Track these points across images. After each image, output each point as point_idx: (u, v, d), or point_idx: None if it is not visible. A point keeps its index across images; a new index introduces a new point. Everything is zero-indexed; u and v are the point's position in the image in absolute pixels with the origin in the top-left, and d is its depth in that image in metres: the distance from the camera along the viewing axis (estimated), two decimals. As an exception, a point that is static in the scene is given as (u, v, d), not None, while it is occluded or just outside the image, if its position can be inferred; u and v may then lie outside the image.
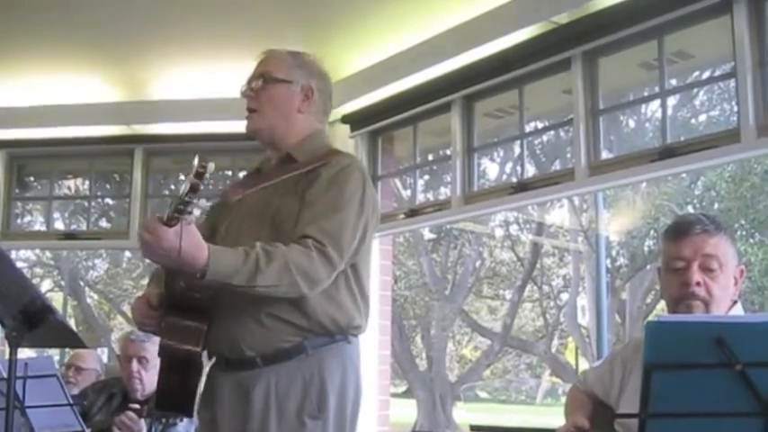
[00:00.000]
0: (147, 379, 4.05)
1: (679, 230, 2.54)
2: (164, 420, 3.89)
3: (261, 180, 2.85)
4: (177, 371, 2.72)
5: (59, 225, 11.91)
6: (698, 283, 2.46)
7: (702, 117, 16.31)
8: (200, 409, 2.77)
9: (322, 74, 2.95)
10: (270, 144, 2.90)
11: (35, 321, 2.96)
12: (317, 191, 2.68)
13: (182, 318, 2.62)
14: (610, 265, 17.95)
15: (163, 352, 2.68)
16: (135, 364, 4.09)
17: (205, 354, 2.74)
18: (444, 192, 14.69)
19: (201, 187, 2.16)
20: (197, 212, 2.27)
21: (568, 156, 12.03)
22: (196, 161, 2.14)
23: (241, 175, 5.07)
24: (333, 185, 2.68)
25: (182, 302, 2.61)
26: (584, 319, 19.71)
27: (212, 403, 2.71)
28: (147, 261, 2.49)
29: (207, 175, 2.15)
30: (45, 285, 21.78)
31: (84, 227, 9.06)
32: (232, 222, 2.83)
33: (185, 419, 3.84)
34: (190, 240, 2.34)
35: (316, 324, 2.63)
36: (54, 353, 12.92)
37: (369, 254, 2.83)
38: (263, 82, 2.84)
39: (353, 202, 2.67)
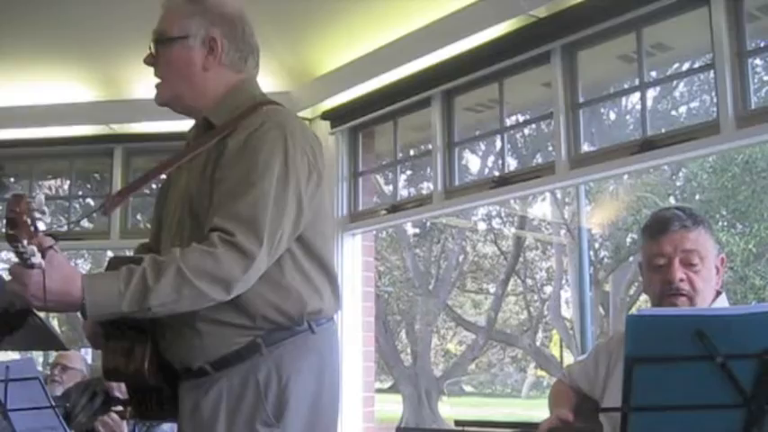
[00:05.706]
0: None
1: (657, 228, 2.54)
2: (147, 422, 3.87)
3: (184, 156, 2.37)
4: (142, 388, 2.43)
5: (40, 226, 11.86)
6: (681, 279, 2.46)
7: (683, 108, 16.41)
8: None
9: (227, 15, 2.40)
10: (186, 113, 2.48)
11: (15, 324, 2.95)
12: (226, 165, 2.21)
13: (119, 339, 2.28)
14: (593, 258, 18.01)
15: (113, 378, 2.42)
16: None
17: None
18: (426, 186, 14.72)
19: (19, 230, 1.87)
20: (36, 261, 1.92)
21: (550, 149, 12.05)
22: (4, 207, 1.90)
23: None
24: (243, 155, 2.20)
25: (119, 320, 2.17)
26: (568, 311, 19.79)
27: (178, 414, 2.38)
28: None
29: (21, 216, 1.86)
30: (27, 287, 21.67)
31: (65, 227, 9.00)
32: (165, 217, 2.42)
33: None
34: (56, 276, 1.97)
35: (261, 319, 2.21)
36: (37, 354, 12.88)
37: (325, 221, 2.36)
38: (157, 45, 2.41)
39: (271, 170, 2.17)
